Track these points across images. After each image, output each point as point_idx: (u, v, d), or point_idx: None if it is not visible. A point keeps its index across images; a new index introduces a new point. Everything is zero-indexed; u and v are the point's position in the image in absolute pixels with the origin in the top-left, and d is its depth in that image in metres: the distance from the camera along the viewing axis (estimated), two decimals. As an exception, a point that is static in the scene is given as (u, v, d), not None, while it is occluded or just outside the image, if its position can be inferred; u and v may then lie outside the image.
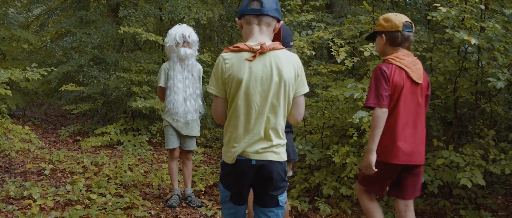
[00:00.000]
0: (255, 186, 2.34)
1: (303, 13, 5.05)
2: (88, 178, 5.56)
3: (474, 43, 3.67)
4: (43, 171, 5.91)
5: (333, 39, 4.78)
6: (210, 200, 4.89)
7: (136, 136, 8.02)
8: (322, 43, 6.28)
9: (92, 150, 7.59)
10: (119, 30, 6.66)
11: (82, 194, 4.58)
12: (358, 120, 4.02)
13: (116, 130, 7.96)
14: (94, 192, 4.66)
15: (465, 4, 4.18)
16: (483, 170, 3.96)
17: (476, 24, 3.99)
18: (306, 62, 6.50)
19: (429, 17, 4.15)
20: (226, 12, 9.48)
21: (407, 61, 2.86)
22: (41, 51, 12.49)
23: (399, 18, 2.89)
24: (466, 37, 3.65)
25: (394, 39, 2.89)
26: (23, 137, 6.14)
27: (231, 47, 2.25)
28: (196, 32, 4.68)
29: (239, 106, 2.22)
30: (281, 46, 2.28)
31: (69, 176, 5.81)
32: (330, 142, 4.95)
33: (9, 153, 6.24)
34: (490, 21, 4.14)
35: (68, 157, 6.68)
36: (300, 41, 4.87)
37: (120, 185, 5.23)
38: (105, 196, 4.62)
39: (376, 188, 3.01)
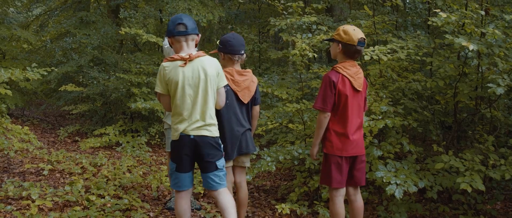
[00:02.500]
0: (197, 158, 3.16)
1: (306, 16, 5.05)
2: (86, 179, 5.55)
3: (473, 49, 3.68)
4: (41, 171, 5.90)
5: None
6: (209, 203, 4.88)
7: (135, 137, 8.02)
8: (322, 47, 6.30)
9: (90, 150, 7.58)
10: (120, 31, 6.66)
11: (81, 195, 4.57)
12: (358, 124, 4.01)
13: (115, 131, 7.96)
14: (93, 193, 4.65)
15: (466, 9, 4.19)
16: (483, 176, 3.96)
17: (476, 29, 3.99)
18: (307, 66, 6.51)
19: (429, 22, 4.16)
20: (226, 15, 9.49)
21: (352, 71, 3.37)
22: (40, 51, 12.48)
23: (356, 34, 3.34)
24: (465, 43, 3.65)
25: (348, 50, 3.37)
26: (22, 137, 6.13)
27: (168, 58, 3.11)
28: None
29: (179, 99, 3.08)
30: (204, 54, 3.16)
31: (67, 176, 5.80)
32: (330, 145, 4.94)
33: (8, 152, 6.22)
34: (490, 26, 4.15)
35: (66, 157, 6.67)
36: (302, 43, 4.87)
37: (119, 186, 5.22)
38: (104, 198, 4.61)
39: (337, 182, 3.39)
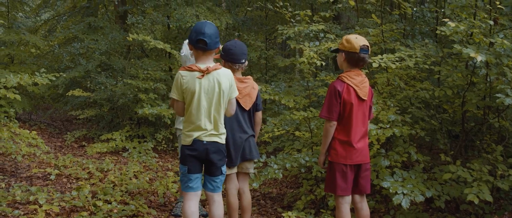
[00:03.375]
0: (205, 162, 3.34)
1: (314, 24, 5.06)
2: (93, 184, 5.57)
3: (481, 60, 3.67)
4: (48, 176, 5.92)
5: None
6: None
7: (142, 142, 8.04)
8: (329, 55, 6.29)
9: (97, 156, 7.61)
10: (128, 38, 6.69)
11: (87, 201, 4.58)
12: (365, 133, 4.01)
13: (122, 137, 7.97)
14: (100, 199, 4.66)
15: (474, 19, 4.19)
16: (491, 186, 3.94)
17: (484, 39, 3.98)
18: (314, 74, 6.51)
19: (438, 32, 4.15)
20: (233, 21, 9.52)
21: (357, 81, 3.40)
22: (48, 56, 12.55)
23: (358, 42, 3.38)
24: (473, 54, 3.65)
25: (351, 58, 3.41)
26: (30, 141, 6.17)
27: (186, 67, 3.25)
28: None
29: (194, 108, 3.24)
30: (220, 66, 3.29)
31: (74, 181, 5.82)
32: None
33: (15, 157, 6.25)
34: (499, 36, 4.14)
35: (73, 162, 6.69)
36: (310, 51, 4.87)
37: (126, 192, 5.23)
38: (110, 203, 4.62)
39: (347, 190, 3.44)
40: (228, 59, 3.67)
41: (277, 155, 5.06)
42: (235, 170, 3.77)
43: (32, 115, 11.66)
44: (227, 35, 10.27)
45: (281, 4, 5.30)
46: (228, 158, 3.61)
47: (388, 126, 4.16)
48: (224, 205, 3.66)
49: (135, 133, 8.40)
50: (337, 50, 3.55)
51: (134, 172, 6.32)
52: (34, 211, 4.32)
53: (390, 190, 3.84)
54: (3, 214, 4.17)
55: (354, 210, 3.62)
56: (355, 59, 3.40)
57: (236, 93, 3.41)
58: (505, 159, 4.21)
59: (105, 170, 6.40)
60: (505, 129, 4.49)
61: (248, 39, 9.44)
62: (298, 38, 5.45)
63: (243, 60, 3.71)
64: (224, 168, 3.41)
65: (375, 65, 4.26)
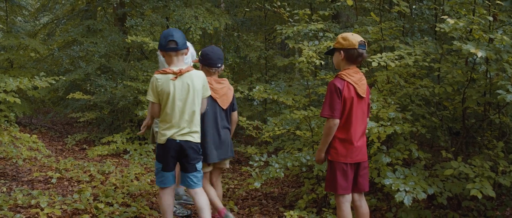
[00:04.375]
0: (180, 159, 3.55)
1: (313, 23, 5.06)
2: (95, 187, 5.57)
3: (481, 56, 3.67)
4: (50, 180, 5.92)
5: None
6: (217, 210, 4.87)
7: (142, 144, 8.03)
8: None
9: (98, 158, 7.61)
10: (127, 40, 6.69)
11: (89, 203, 4.58)
12: (367, 131, 4.01)
13: (123, 139, 7.97)
14: (101, 201, 4.66)
15: (473, 15, 4.18)
16: (493, 182, 3.93)
17: (484, 35, 3.98)
18: (313, 73, 6.51)
19: (437, 29, 4.15)
20: (232, 22, 9.52)
21: (356, 78, 3.40)
22: (48, 60, 12.56)
23: (355, 38, 3.40)
24: (473, 50, 3.64)
25: (351, 55, 3.40)
26: (31, 145, 6.17)
27: (160, 71, 3.49)
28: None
29: (169, 108, 3.47)
30: (192, 68, 3.53)
31: (76, 184, 5.82)
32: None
33: (16, 161, 6.26)
34: (498, 32, 4.13)
35: (74, 165, 6.69)
36: (309, 50, 4.87)
37: (127, 194, 5.24)
38: (112, 205, 4.62)
39: (343, 189, 3.43)
40: (206, 63, 3.93)
41: (278, 154, 5.06)
42: (210, 168, 4.02)
43: (33, 119, 11.67)
44: (226, 36, 10.27)
45: (279, 4, 5.30)
46: (206, 155, 3.85)
47: (388, 124, 4.16)
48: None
49: (135, 135, 8.39)
50: (332, 51, 3.55)
51: (135, 174, 6.32)
52: (36, 215, 4.31)
53: (392, 188, 3.83)
54: (5, 218, 4.17)
55: (353, 208, 3.62)
56: (355, 56, 3.40)
57: (208, 93, 3.69)
58: (506, 155, 4.20)
59: (107, 172, 6.40)
60: (505, 125, 4.49)
61: (247, 40, 9.44)
62: (297, 37, 5.44)
63: (219, 65, 3.99)
64: (198, 165, 3.60)
65: (374, 64, 4.26)
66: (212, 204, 3.85)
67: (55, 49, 11.65)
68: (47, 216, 4.26)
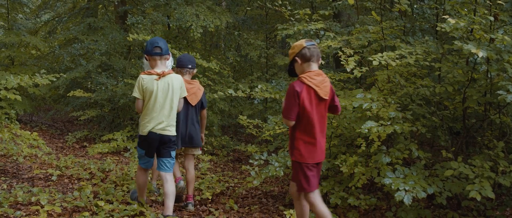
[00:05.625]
0: (158, 147, 4.16)
1: (313, 22, 5.06)
2: (95, 184, 5.57)
3: (482, 56, 3.66)
4: (50, 177, 5.93)
5: (342, 49, 4.79)
6: (216, 209, 4.88)
7: (143, 142, 8.02)
8: (330, 52, 6.28)
9: (98, 156, 7.61)
10: (128, 38, 6.69)
11: (89, 201, 4.58)
12: (367, 130, 4.01)
13: (123, 137, 7.98)
14: (102, 199, 4.66)
15: (474, 15, 4.18)
16: (493, 182, 3.93)
17: (485, 35, 3.97)
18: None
19: (438, 28, 4.15)
20: (233, 20, 9.51)
21: (317, 81, 3.43)
22: (49, 57, 12.55)
23: (300, 41, 3.53)
24: (474, 50, 3.64)
25: (304, 55, 3.46)
26: (31, 142, 6.17)
27: (146, 72, 4.07)
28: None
29: (151, 104, 4.03)
30: (172, 72, 4.16)
31: (76, 182, 5.82)
32: (338, 151, 4.94)
33: (17, 158, 6.26)
34: (499, 32, 4.13)
35: (75, 163, 6.70)
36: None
37: (127, 192, 5.24)
38: (112, 203, 4.63)
39: (317, 183, 3.57)
40: (178, 65, 4.72)
41: (278, 153, 5.06)
42: (178, 151, 4.74)
43: (33, 116, 11.67)
44: (227, 35, 10.27)
45: (280, 2, 5.30)
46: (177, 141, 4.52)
47: (389, 123, 4.16)
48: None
49: (136, 133, 8.39)
50: (292, 64, 3.59)
51: (135, 171, 6.31)
52: (36, 212, 4.32)
53: (392, 187, 3.84)
54: (5, 215, 4.18)
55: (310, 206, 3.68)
56: (308, 54, 3.45)
57: (185, 94, 4.25)
58: (507, 155, 4.20)
59: (107, 170, 6.40)
60: (506, 125, 4.49)
61: (248, 38, 9.43)
62: (298, 36, 5.44)
63: (190, 66, 4.72)
64: (173, 153, 4.21)
65: (375, 63, 4.26)
66: (173, 174, 4.50)
67: (56, 47, 11.63)
68: (47, 214, 4.27)
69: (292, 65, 3.60)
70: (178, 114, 4.36)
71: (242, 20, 10.40)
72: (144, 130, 4.07)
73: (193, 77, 4.94)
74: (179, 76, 4.21)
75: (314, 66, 3.48)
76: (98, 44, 9.18)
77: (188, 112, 4.70)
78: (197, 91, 4.74)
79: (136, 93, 4.06)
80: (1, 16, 11.28)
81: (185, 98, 4.42)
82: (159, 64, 4.07)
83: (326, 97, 3.47)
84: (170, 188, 4.16)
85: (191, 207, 4.75)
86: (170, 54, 4.28)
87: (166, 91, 4.02)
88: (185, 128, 4.69)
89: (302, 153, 3.46)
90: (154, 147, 4.13)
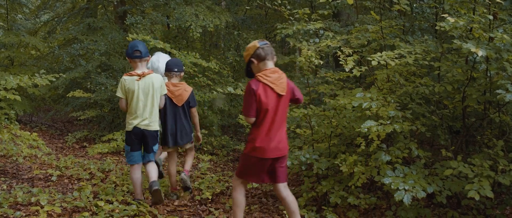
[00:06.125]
0: (143, 143, 4.52)
1: (312, 22, 5.06)
2: (95, 184, 5.57)
3: (481, 55, 3.66)
4: (50, 177, 5.93)
5: (341, 48, 4.79)
6: (216, 209, 4.88)
7: (143, 142, 8.02)
8: (329, 52, 6.28)
9: (98, 156, 7.61)
10: (127, 38, 6.69)
11: (89, 201, 4.58)
12: (366, 129, 4.01)
13: (123, 137, 7.96)
14: (101, 199, 4.66)
15: (473, 14, 4.18)
16: (492, 181, 3.93)
17: (484, 34, 3.97)
18: (314, 71, 6.50)
19: (437, 27, 4.14)
20: (233, 20, 9.51)
21: (272, 78, 3.59)
22: (48, 58, 12.56)
23: (253, 42, 3.69)
24: (473, 49, 3.64)
25: (259, 56, 3.63)
26: (31, 143, 6.17)
27: (128, 74, 4.40)
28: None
29: (134, 103, 4.39)
30: (152, 72, 4.48)
31: (76, 182, 5.82)
32: (338, 150, 4.94)
33: (16, 158, 6.26)
34: (498, 31, 4.13)
35: (75, 163, 6.70)
36: (308, 50, 4.87)
37: (127, 192, 5.24)
38: (112, 203, 4.63)
39: (253, 179, 3.77)
40: (166, 69, 5.05)
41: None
42: (171, 149, 5.11)
43: (33, 117, 11.67)
44: (227, 34, 10.27)
45: (280, 2, 5.30)
46: (166, 141, 5.00)
47: (388, 122, 4.15)
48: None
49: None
50: (249, 68, 3.75)
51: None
52: (36, 212, 4.32)
53: (392, 186, 3.83)
54: (5, 215, 4.18)
55: (279, 199, 3.86)
56: (262, 54, 3.62)
57: (165, 92, 4.57)
58: (506, 154, 4.20)
59: (107, 170, 6.40)
60: (505, 123, 4.49)
61: (248, 38, 9.43)
62: (297, 36, 5.44)
63: (176, 69, 5.02)
64: (155, 147, 4.55)
65: (374, 63, 4.26)
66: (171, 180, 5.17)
67: (55, 47, 11.63)
68: (47, 214, 4.27)
69: (249, 67, 3.75)
70: (167, 114, 4.91)
71: (241, 19, 10.41)
72: (129, 126, 4.43)
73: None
74: (159, 75, 4.52)
75: (270, 64, 3.64)
76: (98, 44, 9.18)
77: (176, 112, 5.01)
78: (183, 93, 5.02)
79: (119, 93, 4.42)
80: (1, 17, 11.28)
81: (171, 100, 4.91)
82: (140, 66, 4.39)
83: (284, 93, 3.61)
84: (152, 169, 4.56)
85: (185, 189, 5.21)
86: (149, 57, 4.57)
87: (147, 90, 4.35)
88: (174, 127, 5.01)
89: (255, 147, 3.60)
90: (138, 141, 4.47)
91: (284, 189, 3.76)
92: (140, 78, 4.32)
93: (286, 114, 3.75)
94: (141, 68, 4.40)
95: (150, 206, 4.59)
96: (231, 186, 5.94)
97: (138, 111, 4.37)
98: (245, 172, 3.74)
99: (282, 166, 3.74)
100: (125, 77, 4.38)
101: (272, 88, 3.56)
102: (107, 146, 7.63)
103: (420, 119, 4.55)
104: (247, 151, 3.68)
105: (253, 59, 3.65)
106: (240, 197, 3.80)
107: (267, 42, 3.68)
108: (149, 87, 4.37)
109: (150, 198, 4.52)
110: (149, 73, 4.39)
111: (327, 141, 5.03)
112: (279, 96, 3.60)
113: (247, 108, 3.59)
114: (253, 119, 3.61)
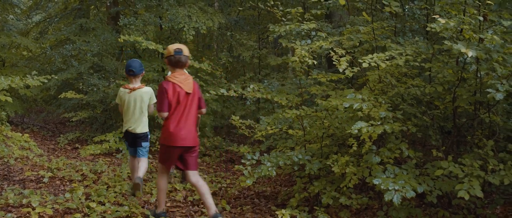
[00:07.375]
0: (134, 141, 5.07)
1: (305, 22, 5.07)
2: (87, 186, 5.56)
3: (471, 56, 3.69)
4: (42, 179, 5.90)
5: (334, 49, 4.80)
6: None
7: (135, 143, 8.00)
8: (321, 53, 6.30)
9: (91, 157, 7.58)
10: (119, 39, 6.69)
11: (81, 202, 4.57)
12: (357, 131, 4.03)
13: (115, 138, 7.94)
14: (93, 200, 4.65)
15: (464, 15, 4.22)
16: (482, 181, 3.96)
17: (474, 35, 4.01)
18: (306, 72, 6.53)
19: (428, 29, 4.18)
20: (226, 22, 9.51)
21: (180, 79, 4.20)
22: (40, 59, 12.49)
23: (172, 47, 4.25)
24: (464, 50, 3.67)
25: (170, 61, 4.24)
26: (22, 144, 6.14)
27: (123, 86, 5.07)
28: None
29: (126, 110, 5.02)
30: (144, 86, 5.07)
31: (68, 184, 5.80)
32: (330, 151, 4.96)
33: (8, 160, 6.23)
34: (488, 32, 4.16)
35: (67, 164, 6.67)
36: (301, 50, 4.88)
37: (119, 193, 5.23)
38: (104, 205, 4.62)
39: (168, 164, 4.35)
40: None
41: (271, 153, 5.07)
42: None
43: (25, 118, 11.61)
44: (219, 35, 10.27)
45: (272, 3, 5.31)
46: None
47: (379, 123, 4.18)
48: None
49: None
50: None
51: (127, 173, 6.29)
52: (27, 214, 4.30)
53: (382, 187, 3.85)
54: (-4, 217, 4.16)
55: (191, 185, 4.42)
56: (173, 61, 4.21)
57: (154, 101, 5.07)
58: (496, 154, 4.24)
59: (99, 171, 6.38)
60: (495, 123, 4.52)
61: (241, 39, 9.44)
62: (289, 36, 5.46)
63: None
64: (144, 143, 5.08)
65: (365, 65, 4.28)
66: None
67: (47, 48, 11.58)
68: (38, 216, 4.25)
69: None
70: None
71: (234, 21, 10.41)
72: (123, 129, 5.16)
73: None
74: (149, 89, 5.13)
75: (179, 70, 4.24)
76: (90, 45, 9.15)
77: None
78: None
79: (117, 100, 5.17)
80: (-8, 17, 11.22)
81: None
82: (133, 81, 5.04)
83: (191, 91, 4.21)
84: (141, 165, 4.97)
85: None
86: (143, 72, 5.18)
87: (135, 102, 4.98)
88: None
89: (165, 136, 4.20)
90: (130, 139, 5.10)
91: (193, 176, 4.27)
92: (131, 91, 4.99)
93: (196, 111, 4.30)
94: (134, 83, 5.05)
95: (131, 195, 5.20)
96: (223, 187, 5.95)
97: (127, 117, 5.05)
98: (162, 158, 4.31)
99: (193, 156, 4.28)
100: (121, 88, 5.13)
101: (180, 87, 4.15)
102: (99, 147, 7.60)
103: (411, 119, 4.58)
104: (160, 140, 4.31)
105: (166, 60, 4.26)
106: (162, 182, 4.38)
107: (181, 52, 4.19)
108: (137, 100, 4.99)
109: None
110: (140, 88, 5.03)
111: (319, 141, 5.04)
112: (187, 94, 4.19)
113: (160, 104, 4.17)
114: (166, 114, 4.18)
